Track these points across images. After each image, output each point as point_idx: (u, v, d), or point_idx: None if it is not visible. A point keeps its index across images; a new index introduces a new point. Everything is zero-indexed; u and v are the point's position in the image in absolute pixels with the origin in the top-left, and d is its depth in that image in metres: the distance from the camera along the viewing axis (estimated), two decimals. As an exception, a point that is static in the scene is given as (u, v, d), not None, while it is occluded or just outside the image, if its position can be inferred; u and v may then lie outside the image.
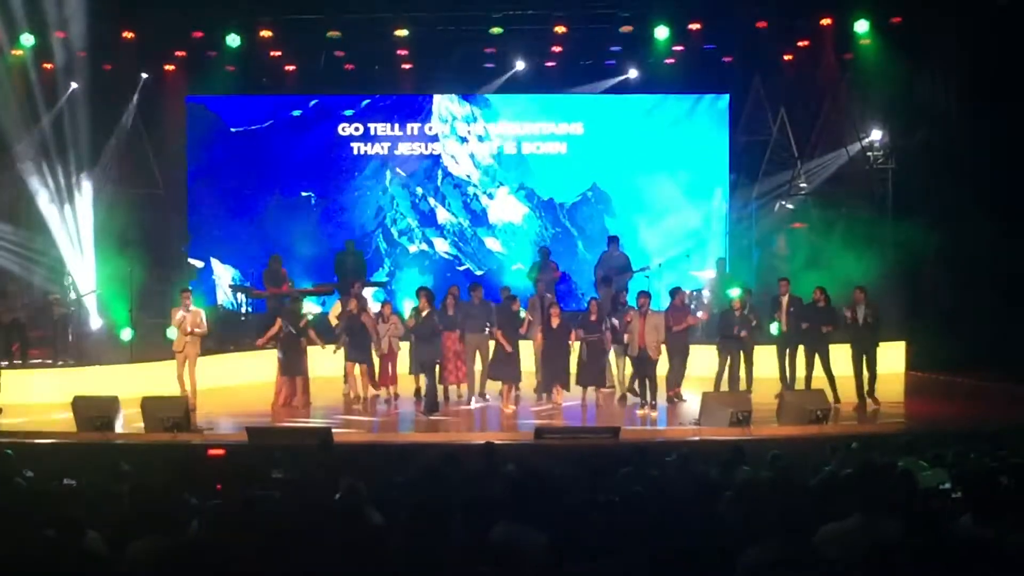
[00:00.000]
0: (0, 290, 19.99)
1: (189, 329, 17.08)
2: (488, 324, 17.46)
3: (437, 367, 17.10)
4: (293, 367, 17.19)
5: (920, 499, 8.65)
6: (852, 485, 7.91)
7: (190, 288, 18.39)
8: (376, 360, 18.01)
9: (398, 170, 24.03)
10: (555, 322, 17.23)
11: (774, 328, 17.96)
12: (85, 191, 21.83)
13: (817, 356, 17.35)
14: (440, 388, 17.39)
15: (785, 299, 17.54)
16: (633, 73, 22.88)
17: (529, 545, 6.76)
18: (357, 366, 17.87)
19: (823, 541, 6.76)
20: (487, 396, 17.88)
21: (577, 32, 21.32)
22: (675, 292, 17.64)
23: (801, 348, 17.52)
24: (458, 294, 18.12)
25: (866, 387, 17.33)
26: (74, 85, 21.24)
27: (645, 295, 16.99)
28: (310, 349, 17.50)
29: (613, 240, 21.55)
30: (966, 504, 7.68)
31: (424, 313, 16.68)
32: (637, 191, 23.80)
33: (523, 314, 17.71)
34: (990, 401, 17.84)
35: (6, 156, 20.90)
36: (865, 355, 17.38)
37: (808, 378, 17.38)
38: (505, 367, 17.17)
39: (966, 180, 20.00)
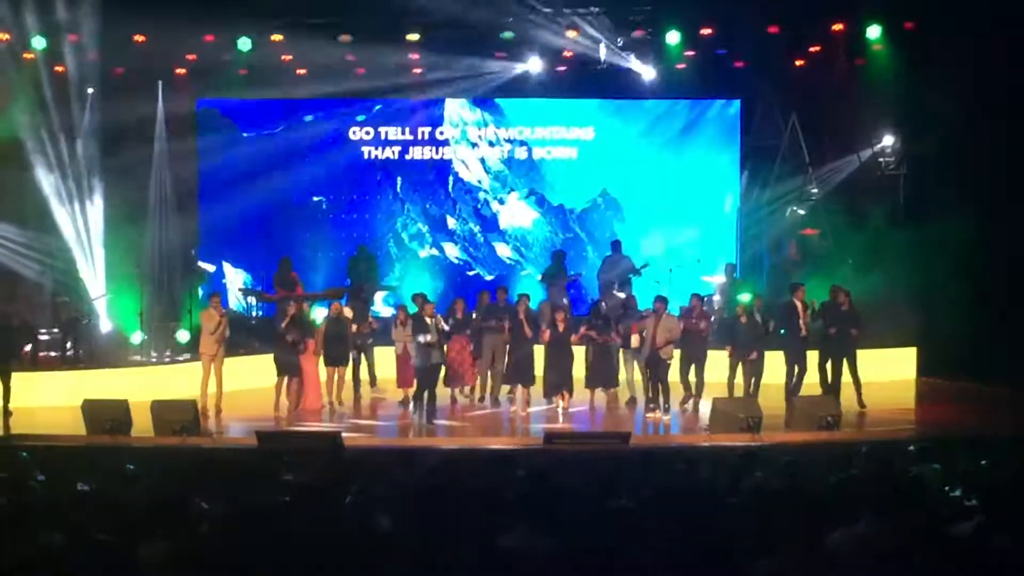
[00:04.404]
0: (9, 293, 20.03)
1: (223, 333, 17.28)
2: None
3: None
4: (284, 368, 17.35)
5: (931, 505, 8.62)
6: (861, 490, 7.89)
7: (217, 291, 18.54)
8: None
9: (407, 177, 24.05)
10: (561, 327, 17.22)
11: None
12: (96, 193, 21.84)
13: (845, 361, 17.25)
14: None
15: (800, 304, 17.39)
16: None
17: (539, 551, 6.73)
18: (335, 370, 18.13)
19: (834, 547, 6.74)
20: (499, 399, 17.93)
21: (588, 37, 21.29)
22: (692, 298, 17.70)
23: (817, 353, 17.45)
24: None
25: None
26: (90, 90, 21.33)
27: (662, 300, 16.96)
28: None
29: (616, 245, 21.62)
30: (977, 510, 7.65)
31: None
32: (648, 196, 23.73)
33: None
34: (1003, 407, 17.77)
35: (18, 157, 20.91)
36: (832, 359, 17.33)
37: (836, 383, 17.27)
38: (520, 370, 17.22)
39: (980, 186, 19.96)
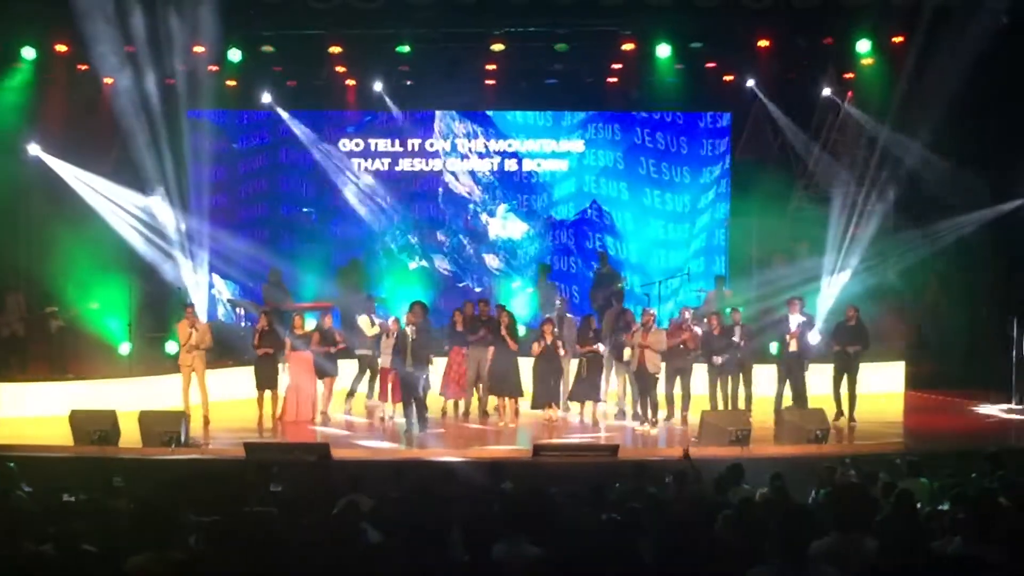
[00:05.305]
0: (-2, 303, 19.96)
1: (196, 344, 17.20)
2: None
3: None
4: (261, 381, 17.51)
5: (918, 519, 8.64)
6: (846, 504, 7.90)
7: (192, 303, 18.47)
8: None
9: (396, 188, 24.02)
10: (548, 339, 17.18)
11: (773, 347, 17.93)
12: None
13: (846, 375, 17.25)
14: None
15: (794, 318, 17.37)
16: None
17: (527, 563, 6.73)
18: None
19: (815, 559, 6.74)
20: (488, 412, 17.88)
21: (579, 49, 21.32)
22: (680, 310, 17.76)
23: (810, 367, 17.46)
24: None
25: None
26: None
27: (649, 312, 16.96)
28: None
29: (603, 257, 21.74)
30: (964, 524, 7.66)
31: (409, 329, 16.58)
32: (637, 209, 23.76)
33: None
34: (990, 421, 17.82)
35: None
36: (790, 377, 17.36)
37: (837, 397, 17.28)
38: (505, 381, 17.18)
39: (968, 199, 20.03)
